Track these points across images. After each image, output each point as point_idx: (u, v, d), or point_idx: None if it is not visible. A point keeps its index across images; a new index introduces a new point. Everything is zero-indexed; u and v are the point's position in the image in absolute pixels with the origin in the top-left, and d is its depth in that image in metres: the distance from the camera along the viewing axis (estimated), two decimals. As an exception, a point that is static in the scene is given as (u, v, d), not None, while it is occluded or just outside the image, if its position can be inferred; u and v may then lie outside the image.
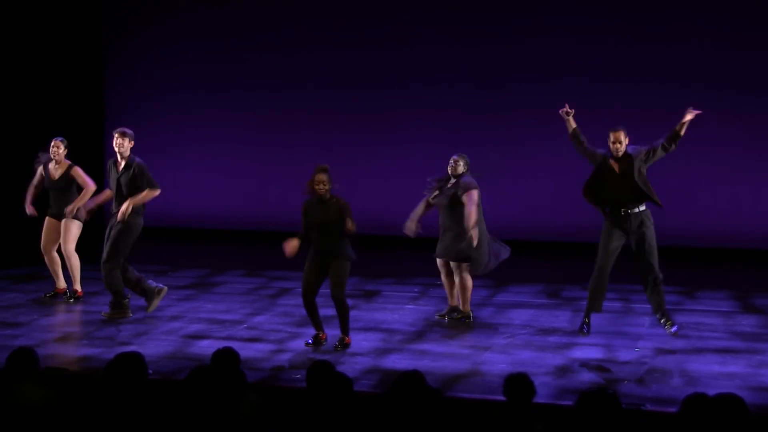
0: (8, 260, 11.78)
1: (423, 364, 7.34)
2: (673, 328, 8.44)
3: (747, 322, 9.03)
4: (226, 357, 5.51)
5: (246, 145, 14.32)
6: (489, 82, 13.42)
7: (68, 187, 9.77)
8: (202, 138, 14.43)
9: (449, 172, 8.97)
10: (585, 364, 7.53)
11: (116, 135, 9.16)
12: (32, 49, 14.10)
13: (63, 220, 9.77)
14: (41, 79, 14.15)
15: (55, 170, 9.82)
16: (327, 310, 8.74)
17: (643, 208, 8.43)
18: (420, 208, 9.13)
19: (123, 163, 9.13)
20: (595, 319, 8.97)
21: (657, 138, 8.47)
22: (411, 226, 9.06)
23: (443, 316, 9.16)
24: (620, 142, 8.37)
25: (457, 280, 9.02)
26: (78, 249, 9.78)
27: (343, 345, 7.96)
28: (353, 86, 13.87)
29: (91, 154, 13.13)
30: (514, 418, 4.86)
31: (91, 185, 9.67)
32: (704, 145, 12.46)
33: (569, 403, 5.75)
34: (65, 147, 9.80)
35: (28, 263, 10.25)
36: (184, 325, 8.79)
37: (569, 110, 8.63)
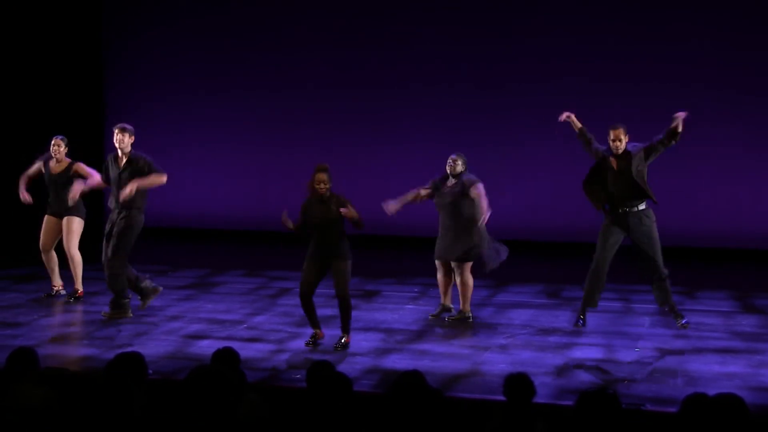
0: (8, 260, 11.78)
1: (423, 364, 7.33)
2: (683, 321, 8.48)
3: (747, 322, 9.03)
4: (226, 357, 5.51)
5: (246, 145, 14.33)
6: (489, 82, 13.42)
7: (68, 182, 9.76)
8: (202, 138, 14.43)
9: (448, 171, 8.96)
10: (585, 364, 7.53)
11: (116, 131, 9.14)
12: (32, 49, 14.10)
13: (64, 218, 9.78)
14: (41, 79, 14.15)
15: (56, 166, 9.83)
16: (326, 310, 8.74)
17: (642, 206, 8.45)
18: (409, 196, 9.09)
19: (124, 159, 9.12)
20: (595, 319, 8.98)
21: (656, 135, 8.50)
22: (393, 207, 9.02)
23: (436, 315, 9.14)
24: (620, 140, 8.40)
25: (458, 280, 9.01)
26: (79, 248, 9.80)
27: (343, 345, 7.95)
28: (353, 86, 13.88)
29: (92, 154, 13.09)
30: (514, 418, 4.86)
31: (96, 176, 9.58)
32: (704, 145, 12.47)
33: (569, 403, 5.74)
34: (66, 145, 9.80)
35: (28, 263, 10.25)
36: (184, 325, 8.78)
37: (567, 115, 8.62)
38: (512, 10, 13.39)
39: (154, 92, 14.65)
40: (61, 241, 9.87)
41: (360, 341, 8.14)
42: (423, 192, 9.09)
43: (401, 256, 12.08)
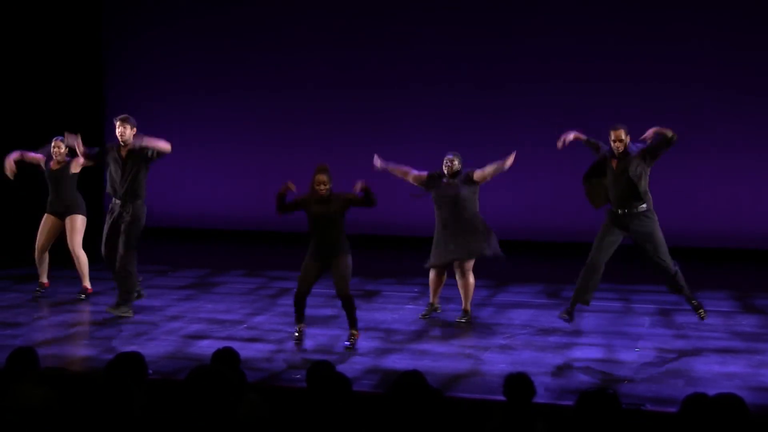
0: (8, 260, 11.78)
1: (423, 364, 7.33)
2: (702, 311, 8.51)
3: (747, 322, 9.03)
4: (226, 357, 5.51)
5: (246, 145, 14.32)
6: (489, 82, 13.42)
7: (69, 179, 9.81)
8: (202, 138, 14.42)
9: (446, 173, 8.91)
10: (585, 364, 7.53)
11: (118, 123, 9.11)
12: (32, 49, 14.09)
13: (67, 218, 9.80)
14: (41, 79, 14.15)
15: (56, 164, 9.85)
16: (326, 310, 8.74)
17: (643, 207, 8.40)
18: (400, 170, 9.09)
19: (126, 150, 9.10)
20: (595, 319, 8.98)
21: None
22: (381, 164, 9.10)
23: (426, 315, 9.11)
24: (620, 141, 8.35)
25: (461, 280, 8.99)
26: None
27: (354, 340, 7.95)
28: (353, 86, 13.87)
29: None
30: (514, 418, 4.86)
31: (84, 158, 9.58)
32: (704, 145, 12.48)
33: (569, 403, 5.75)
34: (66, 146, 9.81)
35: (28, 263, 10.24)
36: (184, 325, 8.78)
37: (575, 136, 8.55)
38: (512, 10, 13.38)
39: (154, 92, 14.64)
40: (57, 241, 9.89)
41: (360, 341, 8.14)
42: (413, 176, 9.03)
43: (401, 256, 12.07)
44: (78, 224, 9.81)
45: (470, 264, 8.95)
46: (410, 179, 9.07)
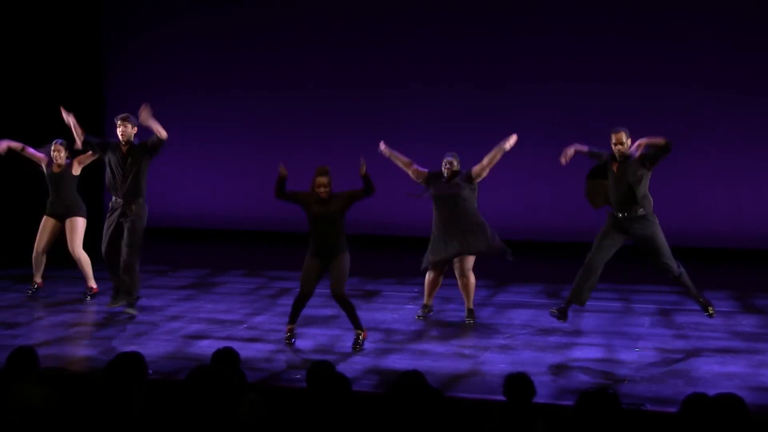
0: (8, 260, 11.78)
1: (423, 364, 7.33)
2: (711, 309, 8.47)
3: (747, 322, 9.03)
4: (226, 357, 5.51)
5: (246, 145, 14.32)
6: (489, 82, 13.42)
7: (70, 180, 9.81)
8: (202, 138, 14.43)
9: (446, 174, 8.90)
10: (585, 364, 7.53)
11: (118, 121, 9.12)
12: (32, 49, 14.10)
13: (67, 220, 9.80)
14: (41, 79, 14.14)
15: (57, 167, 9.84)
16: (326, 310, 8.74)
17: (643, 211, 8.36)
18: (402, 160, 9.09)
19: (127, 148, 9.11)
20: (595, 319, 8.98)
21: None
22: (386, 150, 9.08)
23: (422, 316, 9.10)
24: (621, 143, 8.30)
25: (461, 280, 8.99)
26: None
27: (361, 341, 7.92)
28: (353, 86, 13.87)
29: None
30: (514, 418, 4.86)
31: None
32: (704, 145, 12.48)
33: (569, 403, 5.74)
34: (66, 149, 9.81)
35: (28, 263, 10.24)
36: (184, 325, 8.78)
37: (574, 150, 8.54)
38: (512, 10, 13.38)
39: (154, 92, 14.62)
40: (57, 242, 9.89)
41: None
42: (414, 169, 9.02)
43: (401, 256, 12.06)
44: (78, 226, 9.81)
45: (470, 263, 8.94)
46: (410, 172, 9.06)
